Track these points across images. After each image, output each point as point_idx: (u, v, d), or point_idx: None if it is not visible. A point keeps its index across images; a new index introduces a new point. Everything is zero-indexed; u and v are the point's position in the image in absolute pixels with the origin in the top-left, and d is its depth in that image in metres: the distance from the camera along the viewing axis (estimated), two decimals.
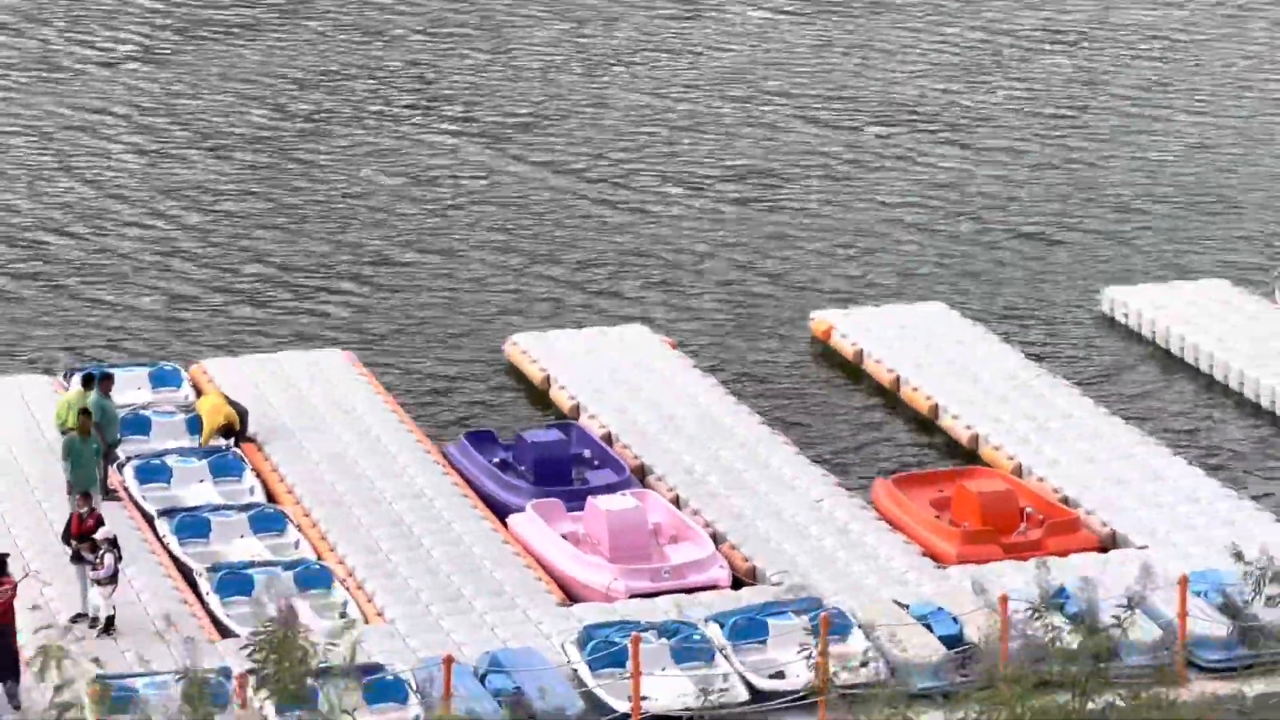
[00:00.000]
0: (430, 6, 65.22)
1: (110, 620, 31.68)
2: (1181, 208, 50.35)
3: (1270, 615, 29.74)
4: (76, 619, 31.82)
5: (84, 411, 34.80)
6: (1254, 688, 29.89)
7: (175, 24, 63.86)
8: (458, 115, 56.24)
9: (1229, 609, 31.11)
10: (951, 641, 30.45)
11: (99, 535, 31.96)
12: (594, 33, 62.75)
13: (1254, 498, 36.38)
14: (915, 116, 56.04)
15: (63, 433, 37.18)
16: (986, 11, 64.18)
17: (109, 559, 31.73)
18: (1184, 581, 30.83)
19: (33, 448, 37.65)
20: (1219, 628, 30.91)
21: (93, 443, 34.21)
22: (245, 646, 22.96)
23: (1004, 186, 51.33)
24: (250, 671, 22.85)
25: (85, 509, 32.34)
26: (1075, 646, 23.11)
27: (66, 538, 32.12)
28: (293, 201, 50.70)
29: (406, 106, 57.04)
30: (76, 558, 31.98)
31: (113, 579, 31.77)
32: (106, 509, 34.27)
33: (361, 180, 51.95)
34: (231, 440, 37.63)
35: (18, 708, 28.75)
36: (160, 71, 59.76)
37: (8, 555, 30.65)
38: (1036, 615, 24.21)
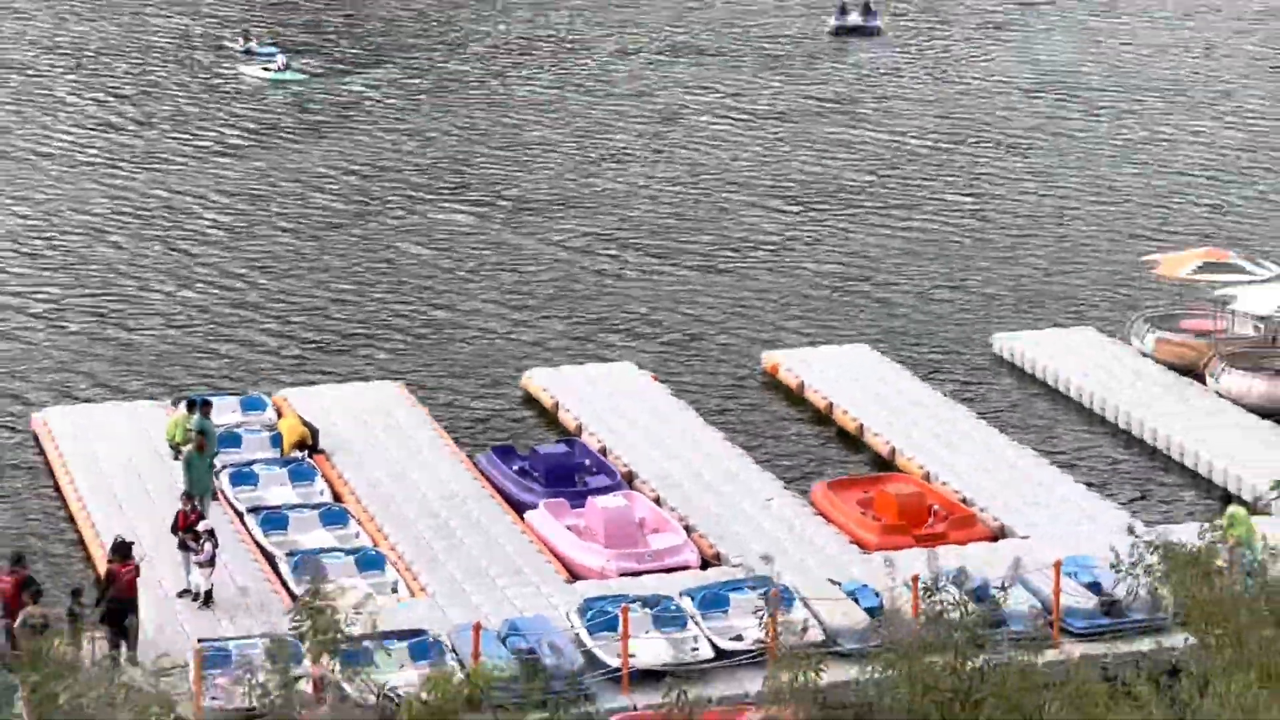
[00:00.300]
0: (458, 114, 65.33)
1: (209, 595, 31.71)
2: (1053, 262, 50.24)
3: (1128, 590, 29.82)
4: (182, 594, 31.88)
5: (201, 432, 34.77)
6: (1114, 649, 29.92)
7: (253, 127, 63.91)
8: (481, 199, 56.24)
9: (1093, 587, 31.24)
10: (873, 612, 30.52)
11: (200, 528, 32.02)
12: (592, 135, 62.86)
13: (1109, 497, 36.49)
14: (841, 198, 56.02)
15: (172, 447, 37.27)
16: (895, 109, 64.39)
17: (208, 546, 31.77)
18: (1058, 565, 30.92)
19: (148, 459, 37.66)
20: (1085, 601, 30.99)
21: (207, 458, 34.19)
22: (288, 612, 23.10)
23: (908, 250, 51.34)
24: (292, 628, 22.98)
25: (189, 507, 32.36)
26: (961, 617, 23.25)
27: (174, 530, 32.18)
28: (352, 269, 50.69)
29: (439, 192, 57.05)
30: (182, 546, 32.00)
31: (211, 562, 31.79)
32: (211, 507, 34.41)
33: (404, 252, 51.93)
34: (306, 453, 37.67)
35: (134, 662, 28.73)
36: (241, 164, 59.79)
37: (132, 543, 30.70)
38: (929, 593, 24.25)
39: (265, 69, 68.20)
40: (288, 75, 67.75)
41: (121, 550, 30.21)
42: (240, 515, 35.03)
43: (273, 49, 69.92)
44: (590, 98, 66.68)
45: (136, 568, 30.06)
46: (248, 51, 69.67)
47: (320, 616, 21.58)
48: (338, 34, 75.88)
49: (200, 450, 33.97)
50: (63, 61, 71.52)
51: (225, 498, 35.77)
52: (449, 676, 22.31)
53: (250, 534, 34.36)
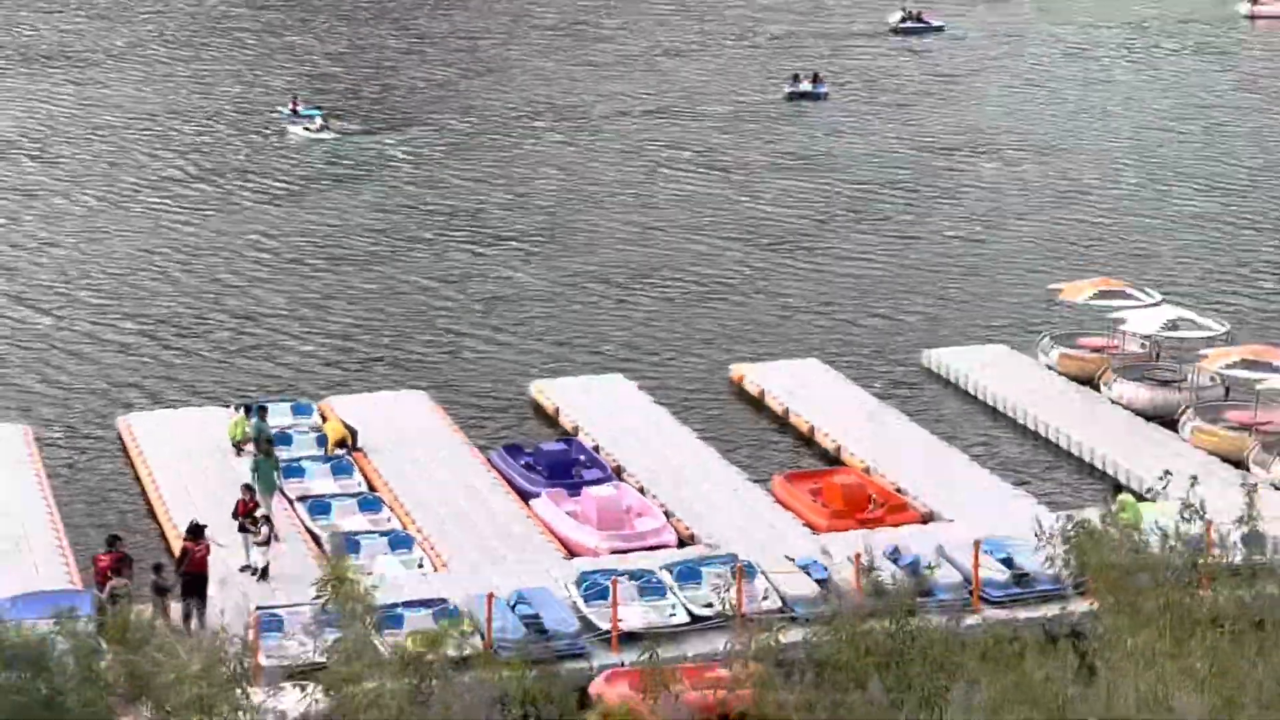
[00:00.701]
0: (471, 167, 65.36)
1: (265, 570, 31.75)
2: (973, 290, 50.20)
3: (1036, 565, 29.86)
4: (243, 569, 31.91)
5: (269, 440, 34.73)
6: (1023, 614, 30.00)
7: (297, 177, 63.92)
8: (489, 238, 56.21)
9: (1007, 562, 31.33)
10: (823, 583, 30.58)
11: (258, 513, 32.07)
12: (584, 185, 62.92)
13: (1020, 486, 36.54)
14: (794, 237, 56.07)
15: (233, 444, 37.33)
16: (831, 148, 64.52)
17: (264, 529, 31.85)
18: (977, 544, 31.04)
19: (212, 456, 37.72)
20: (1000, 574, 31.10)
21: (274, 461, 34.23)
22: (314, 583, 23.02)
23: (851, 280, 51.35)
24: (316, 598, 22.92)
25: (247, 496, 32.40)
26: (896, 588, 23.32)
27: (235, 515, 32.19)
28: (384, 296, 50.72)
29: (454, 233, 57.04)
30: (242, 529, 32.05)
31: (267, 542, 31.86)
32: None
33: (426, 283, 51.95)
34: (346, 450, 37.73)
35: (203, 625, 28.76)
36: (285, 208, 59.81)
37: (205, 525, 30.72)
38: (869, 570, 24.30)
39: (306, 129, 68.28)
40: (325, 135, 67.81)
41: (195, 531, 30.28)
42: (291, 503, 35.08)
43: (314, 111, 69.90)
44: (583, 153, 66.67)
45: (208, 546, 30.13)
46: (294, 114, 69.65)
47: (342, 587, 21.60)
48: (371, 100, 75.84)
49: (268, 455, 33.93)
50: (141, 124, 71.53)
51: (279, 489, 35.79)
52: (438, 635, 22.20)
53: (299, 518, 34.42)
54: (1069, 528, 21.59)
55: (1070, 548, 21.37)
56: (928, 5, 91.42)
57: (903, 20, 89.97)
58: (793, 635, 25.74)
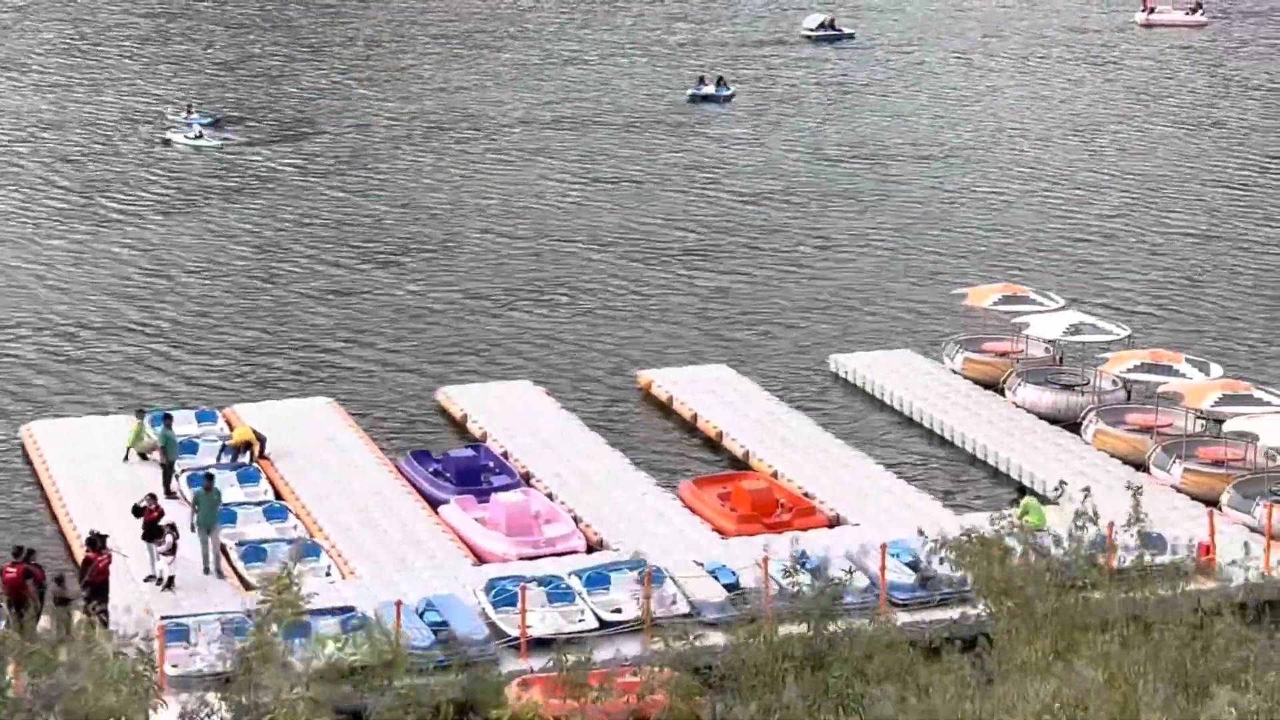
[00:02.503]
0: (360, 180, 65.06)
1: (170, 580, 31.47)
2: (878, 296, 50.46)
3: (941, 570, 30.11)
4: (147, 579, 31.61)
5: (209, 475, 33.48)
6: (929, 615, 30.25)
7: (178, 188, 63.37)
8: (384, 246, 56.07)
9: (912, 565, 31.54)
10: (730, 588, 30.70)
11: (163, 523, 31.77)
12: (478, 196, 62.78)
13: (925, 489, 36.77)
14: (703, 244, 56.23)
15: (127, 451, 36.93)
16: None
17: (169, 538, 31.56)
18: (884, 547, 31.24)
19: (117, 464, 37.39)
20: (906, 577, 31.32)
21: (214, 495, 32.74)
22: (259, 586, 22.80)
23: (757, 287, 51.57)
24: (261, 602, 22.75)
25: (151, 504, 32.07)
26: (809, 592, 23.41)
27: (137, 513, 31.93)
28: (289, 314, 50.47)
29: (346, 245, 56.89)
30: (146, 538, 31.75)
31: (172, 551, 31.59)
32: (170, 504, 34.09)
33: (323, 296, 51.73)
34: (249, 456, 37.40)
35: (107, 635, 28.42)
36: (185, 217, 59.37)
37: (107, 536, 30.42)
38: (788, 574, 24.37)
39: (186, 137, 68.00)
40: (202, 142, 67.54)
41: (96, 541, 29.98)
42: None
43: (202, 119, 69.54)
44: (481, 163, 66.37)
45: (110, 556, 29.82)
46: (188, 122, 69.27)
47: (287, 592, 21.45)
48: (264, 109, 75.01)
49: (208, 491, 32.73)
50: (29, 132, 70.89)
51: (184, 497, 35.49)
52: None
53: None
54: (959, 537, 21.80)
55: (960, 556, 21.59)
56: (843, 8, 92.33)
57: (816, 27, 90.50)
58: (708, 640, 26.00)
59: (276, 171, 64.62)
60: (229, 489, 35.77)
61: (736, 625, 23.12)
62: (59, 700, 19.81)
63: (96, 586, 29.32)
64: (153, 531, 31.60)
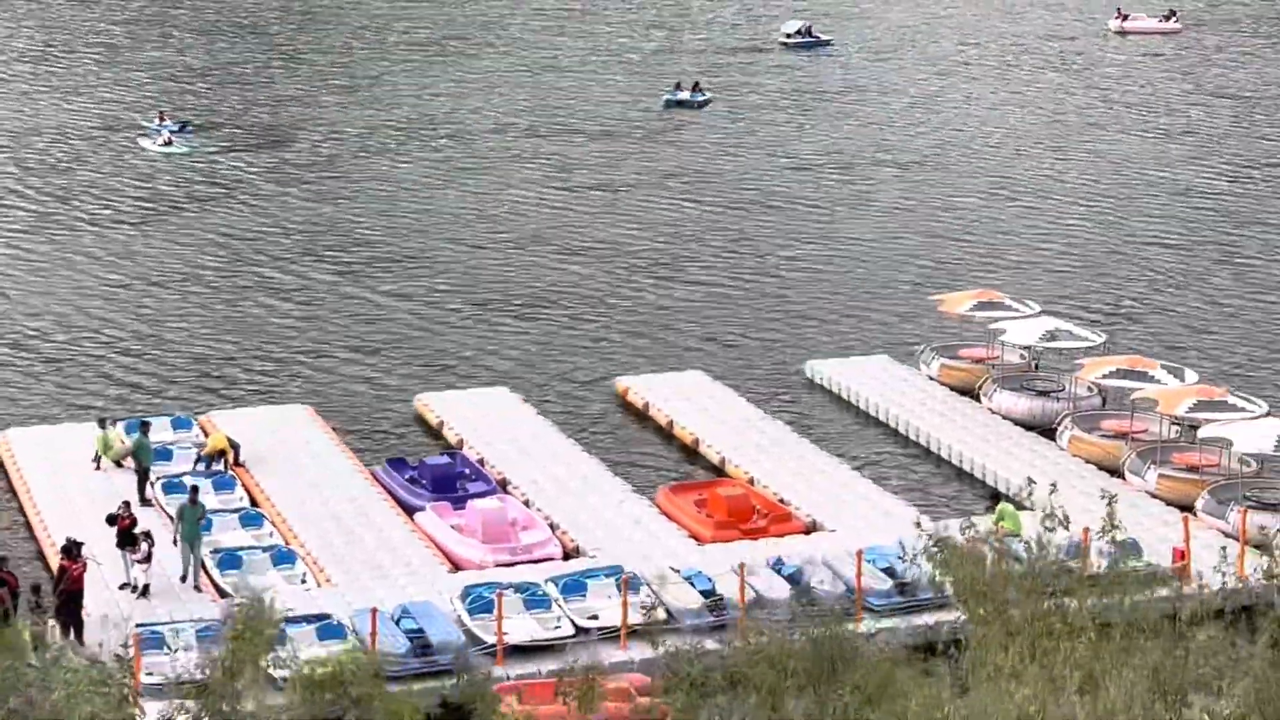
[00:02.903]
0: (330, 186, 64.97)
1: (146, 588, 31.38)
2: (854, 302, 50.55)
3: (915, 574, 30.16)
4: (122, 587, 31.51)
5: (194, 489, 33.09)
6: (905, 621, 30.30)
7: (175, 190, 63.25)
8: (361, 254, 56.02)
9: (889, 571, 31.57)
10: (707, 594, 30.70)
11: (137, 530, 31.66)
12: (450, 194, 62.74)
13: (901, 496, 36.81)
14: (680, 251, 56.25)
15: (96, 458, 36.77)
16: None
17: (144, 545, 31.47)
18: (859, 554, 31.27)
19: (93, 471, 37.31)
20: (882, 583, 31.36)
21: (199, 508, 32.43)
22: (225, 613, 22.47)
23: (735, 293, 51.59)
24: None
25: (125, 512, 31.94)
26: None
27: (111, 522, 31.75)
28: (264, 322, 50.37)
29: (323, 249, 56.80)
30: (121, 545, 31.64)
31: (148, 559, 31.50)
32: (145, 511, 33.98)
33: (299, 303, 51.66)
34: (223, 463, 37.28)
35: (81, 643, 28.38)
36: (162, 224, 59.21)
37: (81, 543, 30.32)
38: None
39: (155, 144, 67.92)
40: (172, 149, 67.42)
41: (71, 549, 29.88)
42: (172, 519, 34.62)
43: (175, 126, 69.45)
44: (457, 171, 66.35)
45: (85, 564, 29.72)
46: (158, 130, 69.16)
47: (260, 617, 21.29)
48: (238, 116, 74.79)
49: (193, 505, 32.38)
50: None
51: (159, 504, 35.41)
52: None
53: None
54: (931, 545, 21.79)
55: (935, 564, 21.59)
56: (823, 16, 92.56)
57: (792, 34, 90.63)
58: (679, 645, 25.92)
59: (250, 178, 64.52)
60: (204, 496, 35.67)
61: (731, 635, 22.89)
62: (34, 710, 19.72)
63: (71, 594, 29.22)
64: (126, 539, 31.50)
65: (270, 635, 20.87)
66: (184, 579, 31.74)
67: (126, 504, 32.48)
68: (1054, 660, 18.96)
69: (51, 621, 28.58)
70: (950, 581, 21.72)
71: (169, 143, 67.62)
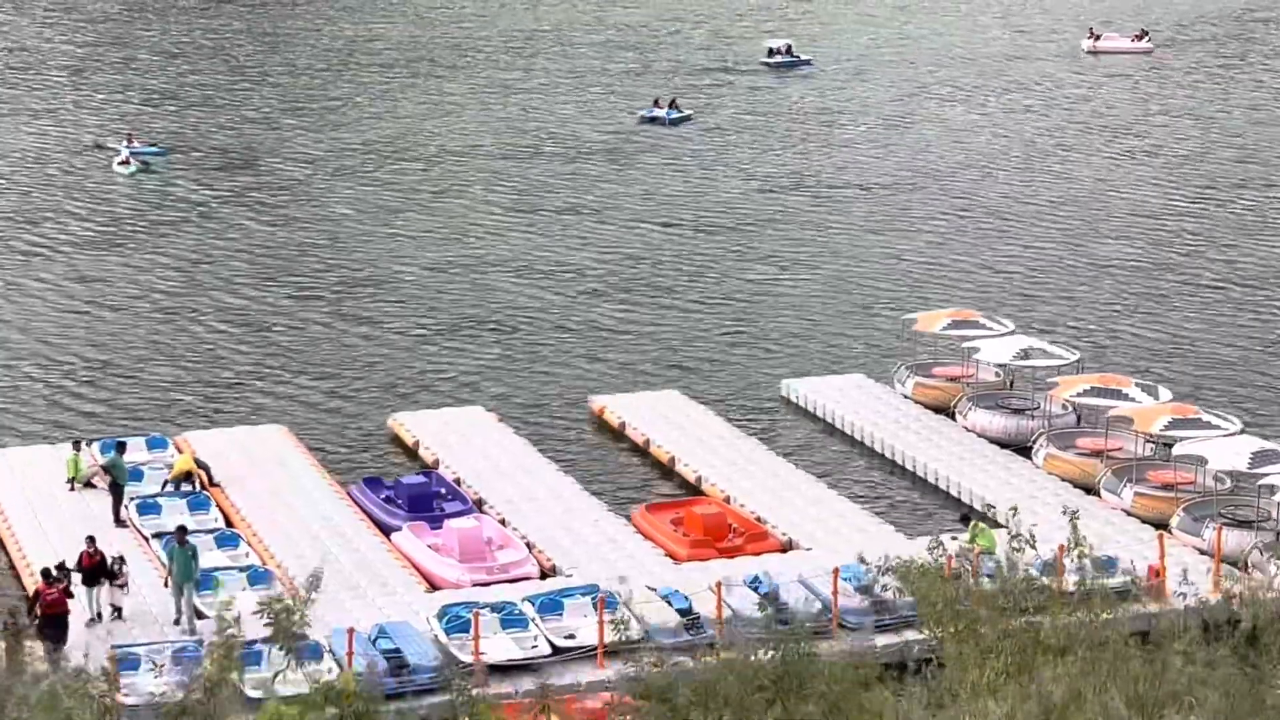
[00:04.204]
0: (291, 210, 64.96)
1: (119, 610, 31.23)
2: (829, 321, 50.69)
3: (888, 595, 30.24)
4: (89, 623, 30.86)
5: (181, 529, 32.09)
6: (880, 639, 30.36)
7: (142, 211, 63.12)
8: (333, 275, 56.05)
9: (864, 589, 31.62)
10: (683, 612, 30.73)
11: (112, 555, 31.30)
12: (423, 215, 62.78)
13: (877, 514, 36.90)
14: (657, 271, 56.31)
15: (69, 481, 36.60)
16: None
17: (124, 570, 31.34)
18: (836, 571, 31.35)
19: (67, 493, 37.21)
20: (858, 601, 31.39)
21: (188, 549, 31.24)
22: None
23: (711, 312, 51.68)
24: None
25: (90, 549, 31.50)
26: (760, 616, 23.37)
27: (79, 567, 31.07)
28: (238, 342, 50.35)
29: (291, 270, 56.80)
30: (87, 582, 30.97)
31: (124, 584, 31.37)
32: (122, 533, 33.89)
33: (271, 324, 51.63)
34: (194, 487, 37.14)
35: (55, 665, 28.29)
36: (128, 245, 59.13)
37: (64, 568, 30.28)
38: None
39: (119, 165, 67.84)
40: (130, 169, 67.32)
41: (46, 574, 29.83)
42: (146, 540, 34.62)
43: (142, 149, 69.31)
44: (430, 192, 66.33)
45: (61, 589, 29.61)
46: (131, 151, 68.95)
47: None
48: (206, 139, 74.71)
49: (181, 543, 31.41)
50: None
51: (133, 525, 35.37)
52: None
53: (156, 556, 33.93)
54: (897, 566, 21.88)
55: (905, 581, 21.67)
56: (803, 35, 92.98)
57: (773, 53, 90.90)
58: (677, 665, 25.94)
59: (221, 200, 64.39)
60: (179, 516, 35.64)
61: (700, 653, 22.94)
62: None
63: (48, 617, 29.13)
64: (92, 577, 31.14)
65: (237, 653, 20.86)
66: (176, 623, 31.05)
67: (90, 539, 31.79)
68: (1030, 678, 19.05)
69: (29, 643, 28.51)
70: (917, 600, 21.79)
71: (126, 161, 67.53)
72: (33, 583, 32.39)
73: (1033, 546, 21.60)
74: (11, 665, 25.33)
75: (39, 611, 29.31)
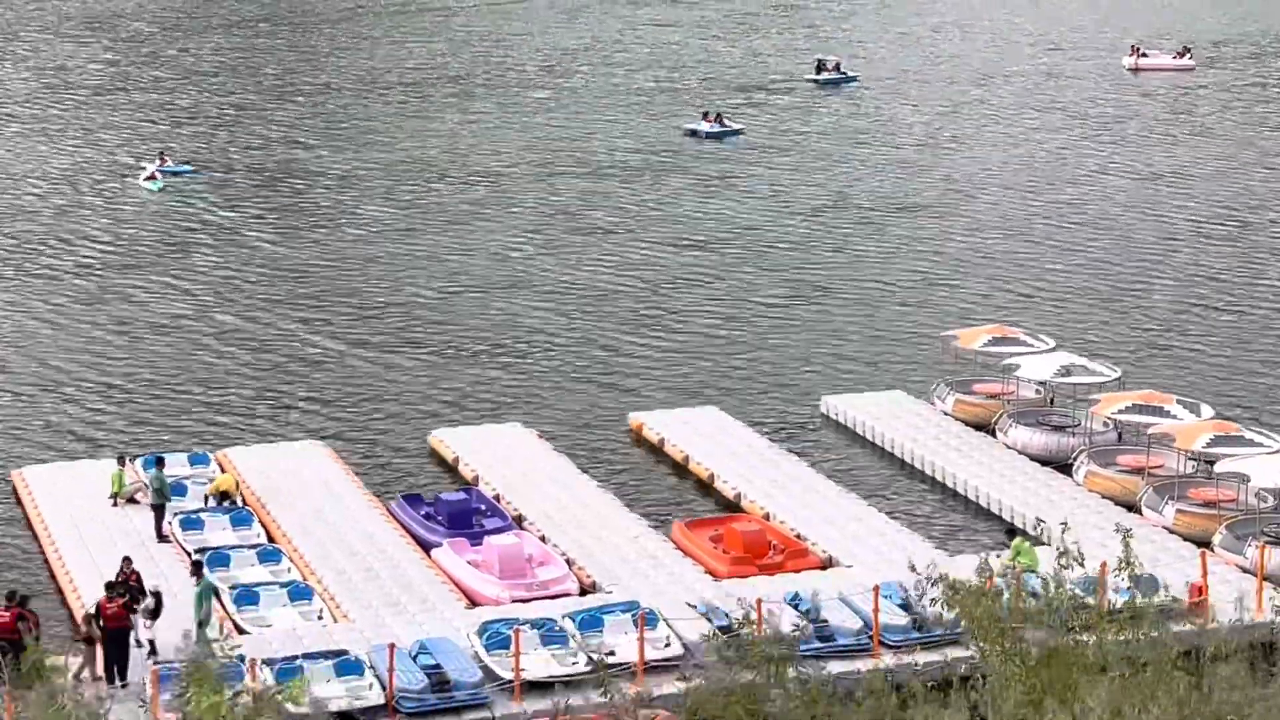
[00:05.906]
0: (311, 231, 65.13)
1: (153, 644, 30.21)
2: (870, 338, 50.51)
3: (931, 611, 30.04)
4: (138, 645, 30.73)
5: (197, 564, 31.72)
6: (922, 657, 30.19)
7: (172, 229, 63.38)
8: (378, 291, 56.15)
9: (905, 606, 31.46)
10: (724, 630, 30.47)
11: (149, 587, 30.88)
12: (463, 230, 62.85)
13: (917, 531, 36.72)
14: (698, 286, 56.25)
15: (112, 496, 36.67)
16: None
17: (151, 600, 30.71)
18: (876, 589, 31.18)
19: (109, 508, 37.30)
20: (899, 618, 31.25)
21: (201, 585, 30.26)
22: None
23: (750, 329, 51.59)
24: None
25: (128, 568, 30.97)
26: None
27: (96, 619, 29.60)
28: (279, 357, 50.43)
29: (335, 290, 56.96)
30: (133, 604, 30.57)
31: (156, 615, 30.56)
32: (164, 548, 33.86)
33: (313, 339, 51.73)
34: (229, 502, 37.17)
35: (109, 680, 28.39)
36: (169, 262, 59.35)
37: (120, 582, 30.24)
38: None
39: (142, 182, 68.16)
40: (154, 184, 67.60)
41: (110, 587, 29.85)
42: (190, 555, 34.66)
43: (173, 168, 69.61)
44: (471, 208, 66.50)
45: (122, 603, 29.53)
46: (162, 171, 69.23)
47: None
48: (238, 157, 74.92)
49: (197, 578, 30.83)
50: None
51: (176, 539, 35.42)
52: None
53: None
54: (939, 583, 21.75)
55: (944, 602, 21.53)
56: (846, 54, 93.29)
57: (819, 70, 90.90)
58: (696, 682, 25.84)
59: (260, 219, 64.53)
60: (220, 532, 35.69)
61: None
62: None
63: (111, 632, 29.18)
64: (139, 593, 30.99)
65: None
66: None
67: (127, 560, 31.57)
68: (1076, 695, 18.89)
69: (79, 655, 28.73)
70: (962, 618, 21.63)
71: (153, 177, 67.81)
72: (74, 597, 32.52)
73: (1081, 564, 21.41)
74: (92, 671, 25.78)
75: (104, 625, 29.33)
